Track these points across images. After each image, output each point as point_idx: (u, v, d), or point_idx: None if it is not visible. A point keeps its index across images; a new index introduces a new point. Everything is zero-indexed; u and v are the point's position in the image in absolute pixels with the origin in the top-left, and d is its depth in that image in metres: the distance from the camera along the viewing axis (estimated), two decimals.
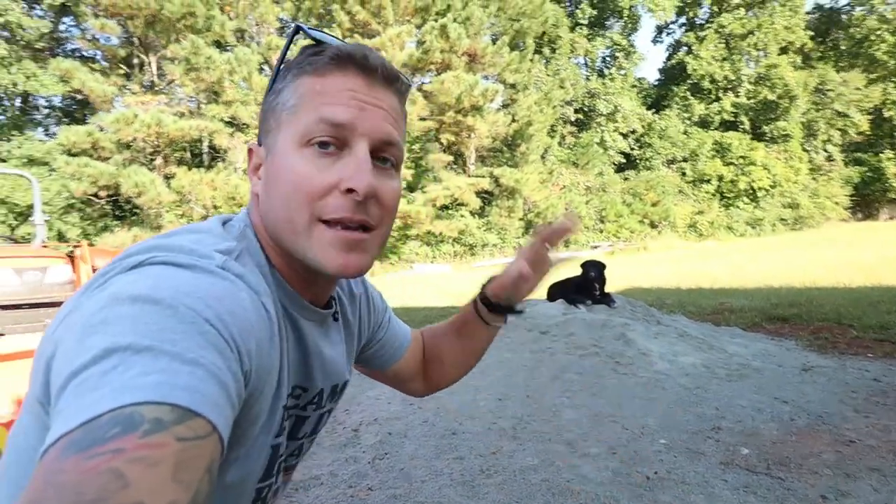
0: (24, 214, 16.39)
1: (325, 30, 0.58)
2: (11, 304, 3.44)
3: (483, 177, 21.40)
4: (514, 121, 22.13)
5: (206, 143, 19.73)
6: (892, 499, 1.87)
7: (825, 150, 32.01)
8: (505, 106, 23.23)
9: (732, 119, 30.87)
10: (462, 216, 21.38)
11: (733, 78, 31.03)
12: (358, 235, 0.52)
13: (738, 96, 31.22)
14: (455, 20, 19.39)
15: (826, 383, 3.15)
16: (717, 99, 31.21)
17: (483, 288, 0.82)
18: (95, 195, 17.15)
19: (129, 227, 18.15)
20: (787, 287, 7.39)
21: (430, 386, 0.91)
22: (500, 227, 22.17)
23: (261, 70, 19.85)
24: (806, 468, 2.12)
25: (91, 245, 4.37)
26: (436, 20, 19.17)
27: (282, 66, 0.56)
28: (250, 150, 0.59)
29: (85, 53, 20.85)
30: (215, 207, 17.62)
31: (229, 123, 18.94)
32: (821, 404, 2.81)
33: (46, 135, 20.70)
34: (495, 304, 0.81)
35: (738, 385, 3.19)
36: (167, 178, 18.01)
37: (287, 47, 0.57)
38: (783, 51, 31.29)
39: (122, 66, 19.98)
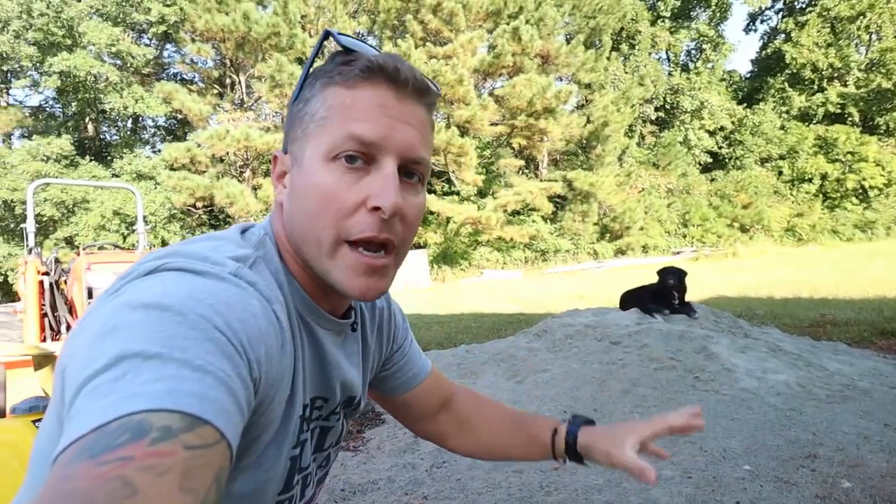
0: (134, 224, 18.26)
1: (356, 36, 0.56)
2: None
3: (556, 181, 20.95)
4: (588, 122, 21.48)
5: None
6: None
7: None
8: (579, 107, 22.63)
9: (839, 111, 27.87)
10: (534, 221, 21.04)
11: (840, 65, 28.03)
12: (381, 261, 0.52)
13: (845, 85, 28.14)
14: (527, 21, 19.17)
15: None
16: (821, 89, 28.35)
17: (575, 422, 0.77)
18: (193, 206, 18.82)
19: None
20: None
21: (443, 439, 0.87)
22: (573, 233, 21.57)
23: None
24: None
25: None
26: (508, 23, 19.07)
27: (310, 73, 0.56)
28: (275, 157, 0.58)
29: (184, 76, 23.01)
30: None
31: None
32: None
33: (153, 151, 23.00)
34: (574, 452, 0.76)
35: (840, 408, 2.82)
36: (255, 188, 19.37)
37: (316, 53, 0.57)
38: None
39: (215, 86, 21.82)
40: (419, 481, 2.38)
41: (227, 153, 19.03)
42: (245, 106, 21.00)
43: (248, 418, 0.42)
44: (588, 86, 22.34)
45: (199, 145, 18.85)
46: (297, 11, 18.70)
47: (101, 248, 5.11)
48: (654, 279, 4.67)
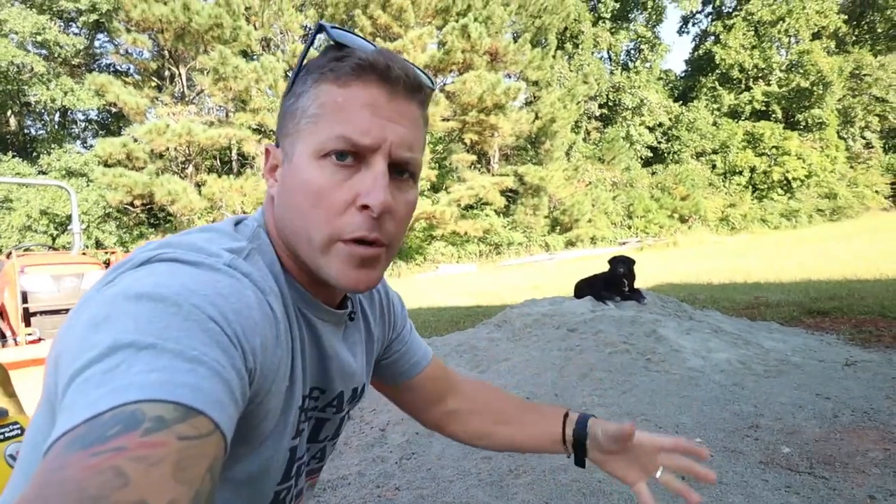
0: (64, 224, 17.08)
1: (350, 30, 0.55)
2: (50, 310, 3.56)
3: (507, 175, 21.31)
4: (537, 118, 21.96)
5: (234, 151, 20.24)
6: None
7: (863, 138, 30.68)
8: (528, 103, 23.09)
9: (764, 108, 29.88)
10: (487, 215, 21.33)
11: (763, 66, 30.05)
12: (373, 251, 0.52)
13: (769, 85, 30.21)
14: (476, 19, 19.35)
15: (871, 378, 3.01)
16: (748, 88, 30.27)
17: (590, 424, 0.77)
18: (131, 204, 17.79)
19: (163, 234, 18.76)
20: (826, 280, 7.10)
21: (450, 426, 0.86)
22: (525, 226, 22.03)
23: (286, 77, 20.20)
24: (852, 467, 2.02)
25: (126, 251, 4.52)
26: (457, 20, 19.17)
27: (302, 69, 0.55)
28: (267, 151, 0.58)
29: (119, 68, 21.66)
30: (244, 213, 18.03)
31: (256, 130, 19.38)
32: (866, 400, 2.68)
33: (84, 147, 21.57)
34: (581, 445, 0.77)
35: (776, 381, 3.07)
36: (198, 185, 18.55)
37: (308, 48, 0.55)
38: (816, 36, 30.12)
39: (153, 78, 20.69)
40: (389, 474, 2.40)
41: (168, 149, 18.12)
42: (186, 99, 20.05)
43: (243, 409, 0.42)
44: (536, 83, 22.84)
45: (136, 140, 17.81)
46: (240, 3, 18.02)
47: (27, 249, 4.78)
48: (604, 269, 4.89)
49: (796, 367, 3.31)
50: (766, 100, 29.78)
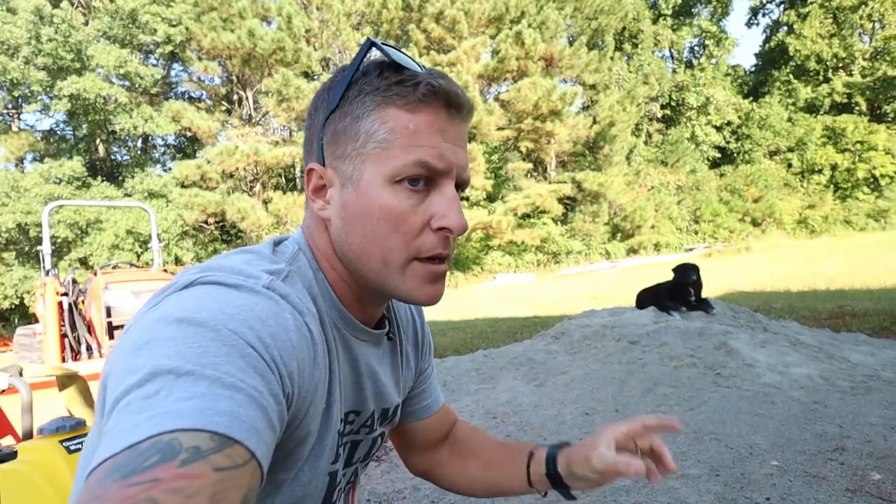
0: (147, 242, 18.49)
1: (401, 49, 0.56)
2: None
3: (564, 182, 20.96)
4: (595, 122, 21.49)
5: (297, 168, 21.17)
6: None
7: None
8: (585, 108, 22.66)
9: (846, 101, 27.63)
10: (544, 224, 21.03)
11: (844, 55, 27.82)
12: (442, 268, 0.55)
13: (850, 75, 27.91)
14: (530, 25, 19.28)
15: None
16: (826, 80, 28.13)
17: (554, 449, 0.71)
18: (205, 222, 19.04)
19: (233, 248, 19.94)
20: None
21: (435, 471, 0.82)
22: (584, 234, 21.52)
23: None
24: None
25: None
26: (510, 28, 19.19)
27: (352, 84, 0.54)
28: (311, 171, 0.57)
29: (192, 94, 23.36)
30: None
31: None
32: None
33: (163, 170, 23.30)
34: (554, 477, 0.69)
35: (864, 399, 2.80)
36: (265, 202, 19.56)
37: (359, 63, 0.55)
38: None
39: (223, 102, 22.15)
40: (445, 489, 2.40)
41: (237, 168, 19.27)
42: (253, 121, 21.28)
43: (281, 434, 0.43)
44: (593, 86, 22.37)
45: (208, 162, 19.10)
46: (301, 26, 18.96)
47: (115, 266, 5.18)
48: (668, 277, 4.65)
49: (888, 383, 3.00)
50: (847, 91, 27.50)
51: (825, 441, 2.38)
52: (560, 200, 20.80)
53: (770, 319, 4.60)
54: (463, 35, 19.30)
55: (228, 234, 20.86)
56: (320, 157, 0.56)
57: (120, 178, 21.34)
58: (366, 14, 21.46)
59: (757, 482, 2.09)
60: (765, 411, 2.78)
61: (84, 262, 18.27)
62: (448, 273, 0.59)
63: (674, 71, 29.23)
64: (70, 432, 1.05)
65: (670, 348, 3.65)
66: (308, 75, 20.34)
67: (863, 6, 27.25)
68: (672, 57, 30.52)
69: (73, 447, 1.02)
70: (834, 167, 26.12)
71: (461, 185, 0.56)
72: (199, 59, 19.83)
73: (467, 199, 20.45)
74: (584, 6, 22.08)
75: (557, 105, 19.76)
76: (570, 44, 21.45)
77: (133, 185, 19.93)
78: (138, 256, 18.30)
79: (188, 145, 23.76)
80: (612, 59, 23.11)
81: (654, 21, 29.12)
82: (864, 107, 27.44)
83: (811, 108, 28.03)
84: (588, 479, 0.65)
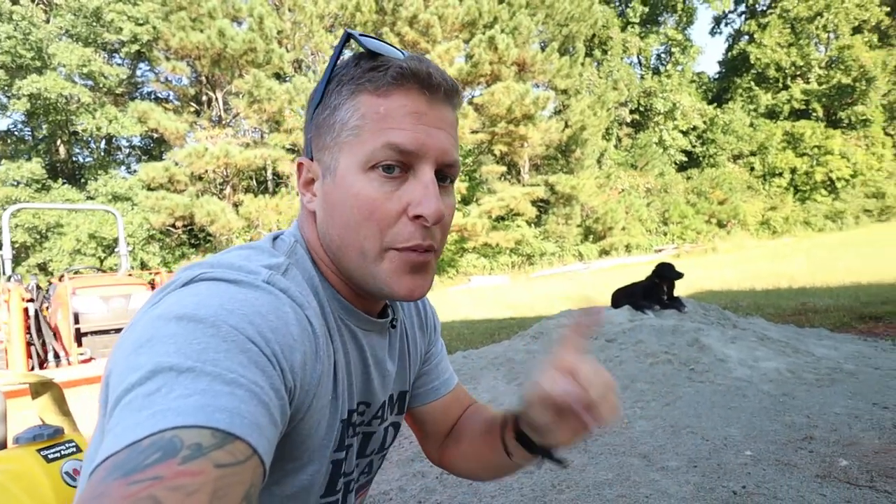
0: (111, 247, 17.91)
1: (377, 37, 0.54)
2: (100, 330, 3.72)
3: (538, 185, 21.23)
4: (567, 126, 21.85)
5: (269, 171, 20.85)
6: None
7: None
8: (557, 112, 23.00)
9: (804, 107, 28.84)
10: (518, 226, 21.25)
11: (802, 64, 29.06)
12: (425, 257, 0.52)
13: (808, 83, 29.15)
14: (503, 31, 19.49)
15: None
16: (786, 87, 29.30)
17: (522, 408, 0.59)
18: (173, 226, 18.54)
19: (203, 253, 19.42)
20: (877, 283, 6.77)
21: (445, 462, 0.77)
22: (557, 235, 21.83)
23: None
24: None
25: (169, 271, 4.71)
26: (483, 33, 19.36)
27: (332, 77, 0.54)
28: (300, 165, 0.57)
29: (159, 95, 22.74)
30: (280, 230, 18.50)
31: (290, 150, 19.93)
32: None
33: (128, 172, 22.62)
34: (525, 439, 0.60)
35: (829, 391, 2.94)
36: (236, 205, 19.17)
37: (337, 56, 0.54)
38: (856, 30, 28.96)
39: (192, 103, 21.62)
40: (430, 489, 2.40)
41: (207, 171, 18.83)
42: (223, 123, 20.84)
43: (283, 428, 0.43)
44: (564, 91, 22.74)
45: (176, 164, 18.61)
46: (273, 27, 18.70)
47: (76, 272, 5.00)
48: (639, 277, 4.81)
49: (850, 375, 3.16)
50: (805, 98, 28.74)
51: (794, 431, 2.49)
52: (533, 203, 21.06)
53: (738, 316, 4.77)
54: (437, 39, 19.38)
55: (197, 237, 20.36)
56: (308, 152, 0.57)
57: (82, 180, 20.60)
58: (339, 16, 21.32)
59: (733, 471, 2.17)
60: (737, 404, 2.88)
61: (43, 268, 17.57)
62: (436, 267, 0.56)
63: (642, 77, 29.98)
64: (48, 441, 1.01)
65: (646, 346, 3.74)
66: (280, 77, 20.07)
67: (818, 17, 28.56)
68: (640, 63, 31.31)
69: (51, 456, 0.98)
70: (793, 171, 27.23)
71: (442, 170, 0.53)
72: (167, 58, 19.33)
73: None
74: (555, 13, 22.44)
75: (530, 109, 20.03)
76: (542, 49, 21.77)
77: (96, 187, 19.26)
78: (101, 261, 17.71)
79: (154, 147, 23.11)
80: (582, 64, 23.56)
81: (623, 29, 29.84)
82: (820, 113, 28.71)
83: (771, 114, 29.15)
84: (538, 422, 0.55)
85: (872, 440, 2.30)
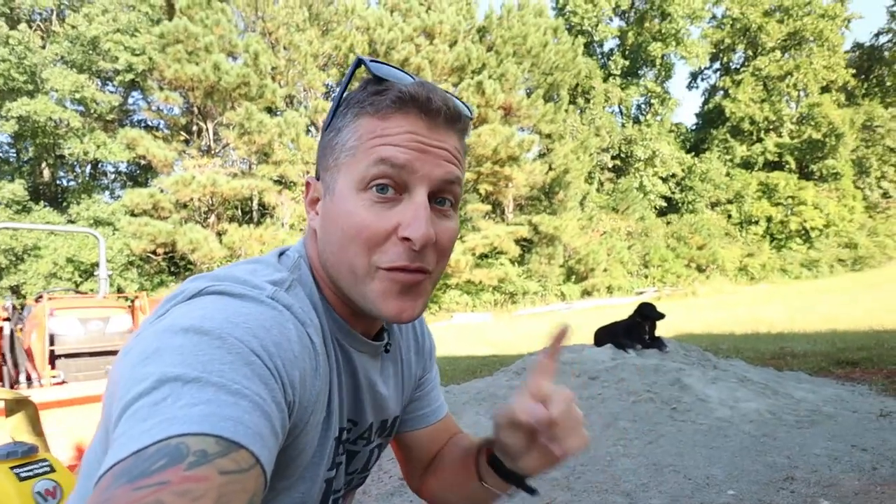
0: (88, 272, 17.50)
1: (388, 63, 0.56)
2: (75, 353, 3.60)
3: (522, 225, 21.53)
4: (551, 169, 22.40)
5: (255, 201, 20.84)
6: None
7: (880, 187, 30.58)
8: (541, 155, 23.62)
9: (777, 159, 30.16)
10: (502, 264, 21.40)
11: (774, 118, 30.57)
12: (415, 277, 0.51)
13: (780, 136, 30.61)
14: (490, 77, 20.20)
15: None
16: (759, 140, 30.68)
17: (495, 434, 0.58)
18: (154, 252, 18.25)
19: (183, 281, 19.08)
20: (852, 330, 6.93)
21: (427, 494, 0.76)
22: (540, 275, 22.00)
23: (308, 132, 21.08)
24: None
25: (147, 295, 4.60)
26: (472, 77, 20.02)
27: (341, 102, 0.55)
28: (308, 184, 0.59)
29: (150, 123, 22.78)
30: None
31: (277, 182, 20.01)
32: None
33: (112, 197, 22.36)
34: (498, 465, 0.59)
35: (809, 432, 2.97)
36: (219, 234, 19.01)
37: (347, 81, 0.56)
38: (825, 90, 30.72)
39: (182, 132, 21.70)
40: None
41: (192, 199, 18.74)
42: (212, 152, 20.90)
43: (282, 442, 0.43)
44: (549, 136, 23.43)
45: (162, 191, 18.51)
46: (267, 63, 19.11)
47: (48, 295, 4.87)
48: (619, 318, 4.89)
49: (829, 417, 3.20)
50: (778, 151, 30.09)
51: (776, 471, 2.50)
52: (517, 242, 21.31)
53: (719, 358, 4.82)
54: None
55: (177, 265, 20.05)
56: (317, 172, 0.58)
57: (64, 203, 20.31)
58: (332, 56, 21.91)
59: None
60: (719, 444, 2.89)
61: (15, 291, 17.05)
62: (431, 291, 0.55)
63: (623, 125, 31.11)
64: (22, 458, 0.98)
65: (628, 384, 3.75)
66: (272, 110, 20.36)
67: (789, 76, 30.24)
68: (621, 112, 32.55)
69: (23, 474, 0.95)
70: (769, 219, 28.17)
71: (439, 193, 0.52)
72: (161, 88, 19.50)
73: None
74: (540, 62, 23.37)
75: (515, 151, 20.56)
76: (528, 95, 22.55)
77: (78, 211, 18.98)
78: (77, 286, 17.25)
79: (141, 174, 22.99)
80: (566, 111, 24.39)
81: (605, 80, 31.15)
82: (793, 165, 30.01)
83: (747, 165, 30.34)
84: (508, 445, 0.55)
85: (852, 481, 2.32)
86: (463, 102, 0.56)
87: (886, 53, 32.56)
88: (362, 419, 0.62)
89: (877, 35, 32.30)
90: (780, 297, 15.37)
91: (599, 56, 32.98)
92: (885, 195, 30.76)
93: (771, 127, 30.86)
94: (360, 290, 0.52)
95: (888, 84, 32.08)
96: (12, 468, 0.96)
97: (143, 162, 20.75)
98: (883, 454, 2.57)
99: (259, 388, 0.40)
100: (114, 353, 3.69)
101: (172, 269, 20.20)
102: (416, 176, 0.50)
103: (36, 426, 1.27)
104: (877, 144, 29.93)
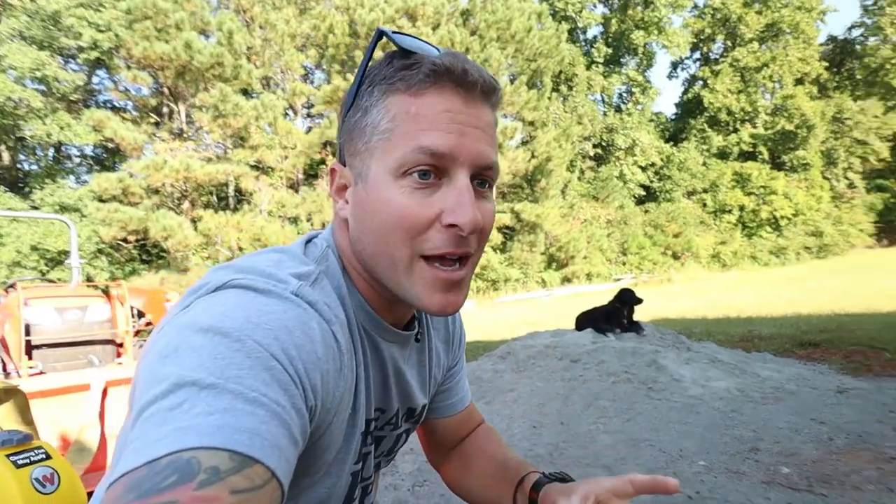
0: (55, 260, 16.98)
1: (411, 34, 0.52)
2: (52, 343, 3.51)
3: (504, 212, 21.65)
4: (533, 157, 22.52)
5: (231, 187, 20.43)
6: None
7: (846, 178, 31.66)
8: (524, 143, 23.70)
9: (751, 150, 30.90)
10: (484, 252, 21.53)
11: (750, 110, 31.23)
12: (458, 275, 0.50)
13: (755, 127, 31.33)
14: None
15: (863, 404, 3.12)
16: (735, 130, 31.35)
17: (550, 476, 0.64)
18: (124, 240, 17.72)
19: (156, 270, 18.66)
20: (815, 314, 7.28)
21: (446, 475, 0.80)
22: (522, 262, 22.24)
23: (285, 115, 20.71)
24: (848, 485, 2.12)
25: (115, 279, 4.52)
26: None
27: (364, 79, 0.52)
28: (333, 171, 0.56)
29: (117, 104, 21.97)
30: (240, 249, 18.10)
31: (255, 167, 19.64)
32: (859, 424, 2.79)
33: (77, 182, 21.61)
34: None
35: (773, 408, 3.17)
36: (194, 221, 18.58)
37: (370, 55, 0.52)
38: (799, 82, 31.48)
39: (152, 114, 21.03)
40: (403, 500, 2.45)
41: (164, 184, 18.26)
42: (185, 135, 20.39)
43: (303, 447, 0.43)
44: (532, 123, 23.51)
45: (132, 175, 17.97)
46: (242, 43, 18.59)
47: (21, 284, 4.74)
48: (601, 303, 5.09)
49: (791, 394, 3.42)
50: (753, 141, 30.84)
51: (742, 443, 2.69)
52: (499, 230, 21.46)
53: (692, 341, 5.04)
54: None
55: (149, 253, 19.54)
56: (341, 157, 0.55)
57: (26, 188, 19.52)
58: (311, 37, 21.49)
59: (688, 480, 2.32)
60: (691, 420, 3.07)
61: None
62: (471, 279, 0.55)
63: (604, 114, 31.41)
64: (17, 446, 0.96)
65: (608, 366, 3.92)
66: (247, 92, 19.91)
67: (765, 68, 30.88)
68: (603, 101, 32.83)
69: (20, 461, 0.94)
70: (742, 208, 28.94)
71: (479, 174, 0.51)
72: (129, 67, 18.79)
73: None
74: (524, 48, 23.35)
75: (499, 138, 20.53)
76: (511, 82, 22.53)
77: (42, 196, 18.26)
78: (43, 274, 16.75)
79: (108, 157, 22.19)
80: (549, 98, 24.46)
81: (588, 67, 31.30)
82: (766, 156, 30.81)
83: (722, 155, 31.03)
84: None
85: (811, 451, 2.52)
86: (493, 77, 0.53)
87: (858, 47, 33.49)
88: (389, 407, 0.62)
89: (850, 28, 33.20)
90: (750, 283, 15.92)
91: (583, 43, 33.07)
92: (851, 186, 31.87)
93: (746, 118, 31.55)
94: (401, 282, 0.51)
95: (858, 77, 33.04)
96: (8, 455, 0.94)
97: (110, 145, 20.00)
98: (839, 426, 2.79)
99: (278, 394, 0.39)
100: (93, 342, 3.66)
101: (144, 257, 19.70)
102: (458, 160, 0.48)
103: (26, 415, 1.26)
104: (845, 136, 30.92)
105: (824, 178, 30.81)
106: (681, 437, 2.83)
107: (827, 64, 32.39)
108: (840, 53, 34.12)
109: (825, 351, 4.76)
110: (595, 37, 33.37)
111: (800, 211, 28.56)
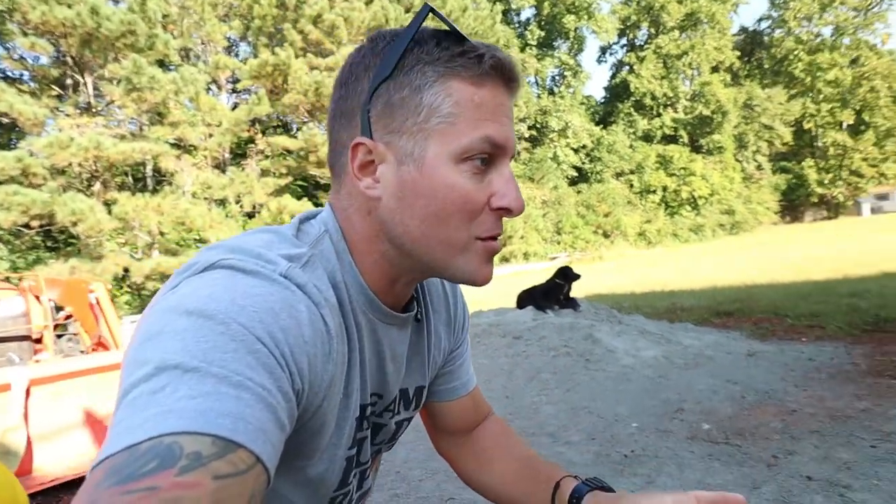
0: None
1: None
2: None
3: None
4: None
5: (150, 167, 19.03)
6: (830, 454, 2.17)
7: (755, 160, 34.53)
8: None
9: (673, 133, 32.84)
10: None
11: (671, 95, 33.09)
12: (498, 245, 0.54)
13: (676, 112, 33.27)
14: None
15: (769, 365, 3.51)
16: (658, 115, 33.14)
17: (589, 483, 0.62)
18: (26, 225, 15.99)
19: (65, 258, 17.10)
20: (729, 286, 7.97)
21: (458, 465, 0.78)
22: None
23: (208, 90, 19.45)
24: (758, 435, 2.40)
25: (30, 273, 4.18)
26: None
27: (407, 52, 0.50)
28: (358, 145, 0.51)
29: (11, 74, 19.72)
30: (162, 234, 17.00)
31: (175, 145, 18.35)
32: (766, 383, 3.14)
33: None
34: None
35: (694, 372, 3.48)
36: (107, 204, 17.10)
37: (415, 31, 0.50)
38: (714, 69, 33.69)
39: (53, 86, 19.02)
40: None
41: (71, 164, 16.63)
42: (93, 110, 18.66)
43: (290, 431, 0.42)
44: None
45: (32, 154, 16.23)
46: (157, 10, 17.12)
47: None
48: (538, 282, 5.31)
49: (710, 359, 3.76)
50: (674, 125, 32.77)
51: (669, 405, 2.94)
52: None
53: (622, 314, 5.38)
54: (342, 41, 19.16)
55: (55, 240, 17.82)
56: (367, 131, 0.51)
57: None
58: (234, 6, 20.23)
59: (623, 440, 2.52)
60: (624, 387, 3.31)
61: None
62: None
63: (538, 96, 32.07)
64: None
65: (548, 341, 4.12)
66: (164, 65, 18.45)
67: (685, 55, 32.71)
68: (537, 83, 33.48)
69: None
70: (665, 188, 30.81)
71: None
72: (25, 34, 16.84)
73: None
74: (459, 27, 23.09)
75: None
76: None
77: None
78: None
79: (3, 134, 20.01)
80: None
81: (522, 49, 31.75)
82: (686, 139, 32.87)
83: (647, 138, 32.75)
84: None
85: (727, 408, 2.81)
86: None
87: (766, 38, 36.19)
88: (387, 392, 0.61)
89: (759, 21, 35.73)
90: (672, 259, 17.09)
91: (517, 25, 33.43)
92: (759, 167, 34.75)
93: (668, 103, 33.41)
94: (453, 261, 0.52)
95: (766, 66, 35.79)
96: None
97: (5, 120, 18.00)
98: (750, 385, 3.12)
99: (263, 378, 0.38)
100: (7, 339, 3.39)
101: (50, 244, 17.96)
102: (506, 151, 0.51)
103: None
104: (754, 122, 33.55)
105: (736, 160, 33.38)
106: (616, 403, 3.05)
107: (739, 53, 34.82)
108: (750, 44, 36.79)
109: (737, 319, 5.26)
110: (528, 19, 33.86)
111: (715, 191, 30.83)
